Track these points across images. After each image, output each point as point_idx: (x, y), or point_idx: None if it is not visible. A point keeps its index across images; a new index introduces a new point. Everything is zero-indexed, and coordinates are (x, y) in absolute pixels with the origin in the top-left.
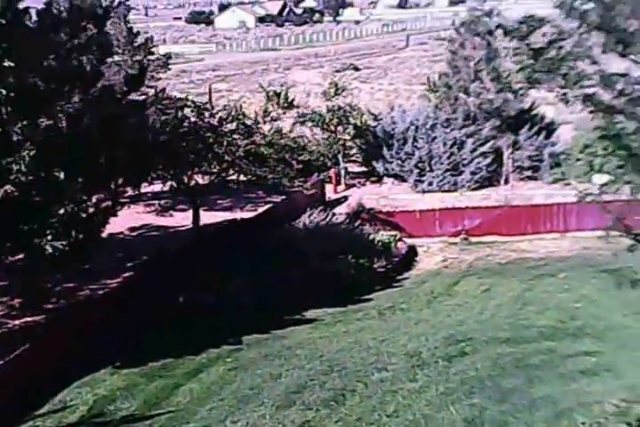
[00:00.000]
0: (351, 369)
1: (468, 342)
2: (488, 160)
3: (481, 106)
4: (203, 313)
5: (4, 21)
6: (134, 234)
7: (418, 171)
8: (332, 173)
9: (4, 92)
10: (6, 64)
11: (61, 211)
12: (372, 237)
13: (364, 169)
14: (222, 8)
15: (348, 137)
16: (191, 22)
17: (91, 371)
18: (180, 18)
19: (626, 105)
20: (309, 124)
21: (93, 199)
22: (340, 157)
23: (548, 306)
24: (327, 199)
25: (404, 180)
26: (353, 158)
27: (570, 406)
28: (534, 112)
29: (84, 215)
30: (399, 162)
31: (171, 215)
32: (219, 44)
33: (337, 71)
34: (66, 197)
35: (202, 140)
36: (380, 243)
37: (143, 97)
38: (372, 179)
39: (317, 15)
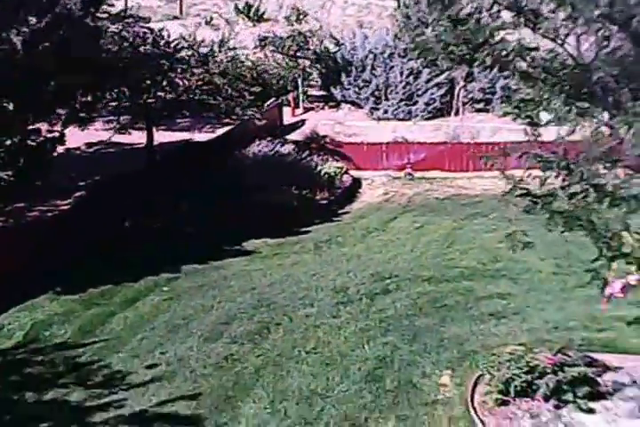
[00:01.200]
0: (280, 303)
1: (393, 279)
2: (442, 91)
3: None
4: (147, 239)
5: None
6: (91, 150)
7: (374, 99)
8: (290, 96)
9: None
10: None
11: (8, 142)
12: (319, 168)
13: (323, 93)
14: None
15: (307, 62)
16: None
17: (31, 296)
18: None
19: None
20: (270, 48)
21: (44, 126)
22: (299, 81)
23: (473, 246)
24: (284, 123)
25: (360, 106)
26: (312, 83)
27: (474, 348)
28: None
29: (32, 144)
30: (356, 89)
31: (129, 133)
32: None
33: None
34: (14, 127)
35: (157, 66)
36: (326, 175)
37: (105, 16)
38: (331, 103)
39: None
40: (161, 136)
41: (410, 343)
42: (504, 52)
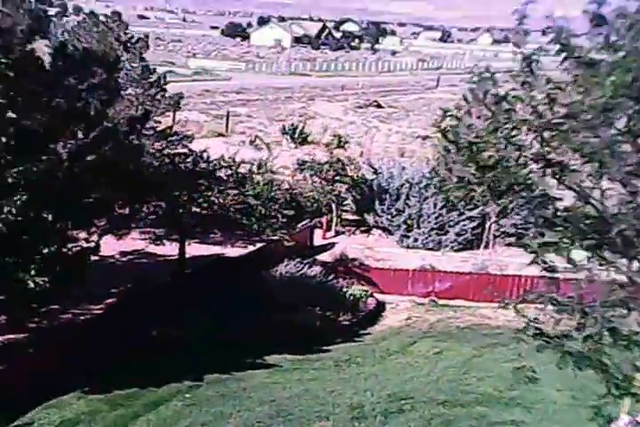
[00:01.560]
0: (296, 415)
1: (408, 400)
2: (474, 224)
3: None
4: (172, 349)
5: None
6: (124, 259)
7: (405, 226)
8: (323, 219)
9: (3, 139)
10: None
11: (45, 250)
12: (344, 289)
13: (355, 217)
14: (262, 22)
15: (343, 188)
16: (227, 35)
17: (60, 394)
18: (216, 27)
19: None
20: (309, 172)
21: (81, 234)
22: (333, 205)
23: (491, 374)
24: (314, 245)
25: (391, 233)
26: (346, 208)
27: None
28: (529, 181)
29: (68, 253)
30: (389, 217)
31: (163, 244)
32: (249, 62)
33: (359, 107)
34: (52, 236)
35: (195, 185)
36: (351, 297)
37: (150, 133)
38: (362, 228)
39: (356, 41)
40: (194, 249)
41: None
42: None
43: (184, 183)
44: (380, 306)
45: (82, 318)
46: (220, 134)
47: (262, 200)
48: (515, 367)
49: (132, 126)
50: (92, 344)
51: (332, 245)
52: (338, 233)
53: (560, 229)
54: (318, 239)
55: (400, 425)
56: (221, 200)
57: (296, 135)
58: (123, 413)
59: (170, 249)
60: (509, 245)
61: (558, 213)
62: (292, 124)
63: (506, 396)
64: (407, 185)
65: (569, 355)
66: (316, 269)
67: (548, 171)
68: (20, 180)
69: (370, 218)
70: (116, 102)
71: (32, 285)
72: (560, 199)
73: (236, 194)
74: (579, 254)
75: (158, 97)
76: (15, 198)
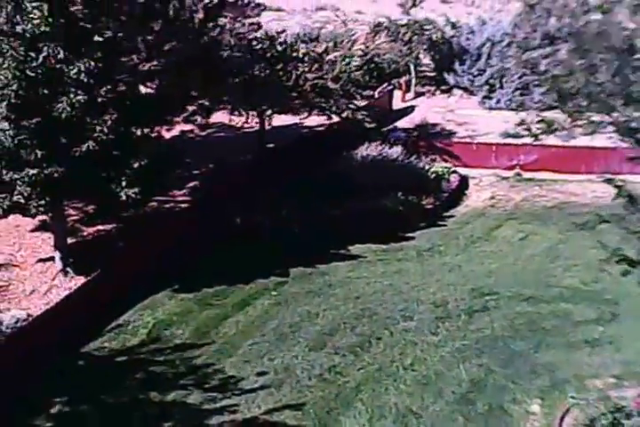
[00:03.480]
0: (381, 315)
1: (492, 295)
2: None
3: (560, 29)
4: (258, 238)
5: None
6: (203, 133)
7: (487, 87)
8: (402, 80)
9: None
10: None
11: (136, 164)
12: (426, 167)
13: (434, 75)
14: None
15: (421, 49)
16: None
17: (152, 293)
18: None
19: None
20: (384, 34)
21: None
22: (411, 66)
23: (577, 263)
24: (393, 108)
25: (473, 93)
26: (425, 68)
27: (566, 377)
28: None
29: (155, 167)
30: (470, 77)
31: (242, 115)
32: None
33: None
34: (141, 150)
35: (271, 70)
36: (434, 174)
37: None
38: (442, 88)
39: None
40: (275, 120)
41: (503, 367)
42: None
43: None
44: (464, 183)
45: (166, 206)
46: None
47: (341, 84)
48: (600, 259)
49: (208, 16)
50: (177, 237)
51: (412, 108)
52: (417, 94)
53: None
54: (397, 102)
55: (484, 326)
56: (300, 83)
57: None
58: (212, 314)
59: (250, 119)
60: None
61: None
62: None
63: (591, 289)
64: (488, 44)
65: None
66: (398, 150)
67: None
68: (108, 99)
69: (450, 78)
70: None
71: (124, 197)
72: None
73: (313, 78)
74: None
75: None
76: (106, 118)
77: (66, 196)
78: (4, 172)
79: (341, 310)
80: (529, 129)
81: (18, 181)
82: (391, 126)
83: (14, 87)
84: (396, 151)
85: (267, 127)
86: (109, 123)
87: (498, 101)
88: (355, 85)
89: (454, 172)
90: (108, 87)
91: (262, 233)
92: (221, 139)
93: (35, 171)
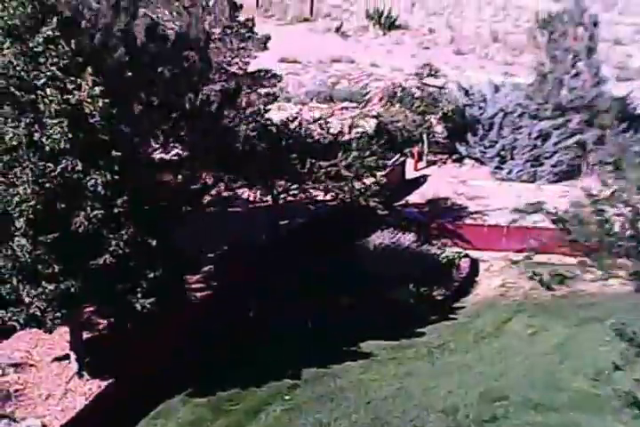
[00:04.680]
0: (393, 424)
1: (502, 402)
2: (571, 154)
3: (573, 100)
4: (271, 332)
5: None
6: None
7: (499, 158)
8: (414, 150)
9: (108, 176)
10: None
11: (151, 275)
12: (437, 252)
13: (446, 142)
14: None
15: (434, 120)
16: None
17: (166, 397)
18: None
19: None
20: (398, 104)
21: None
22: (424, 136)
23: (586, 363)
24: (406, 178)
25: (483, 163)
26: (437, 136)
27: None
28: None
29: (172, 277)
30: (482, 148)
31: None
32: None
33: None
34: (157, 262)
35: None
36: (444, 259)
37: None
38: (454, 156)
39: None
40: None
41: None
42: None
43: (275, 161)
44: (474, 269)
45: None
46: (305, 19)
47: (355, 169)
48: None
49: (225, 101)
50: (193, 330)
51: (424, 178)
52: (429, 163)
53: None
54: (410, 170)
55: None
56: (314, 171)
57: (382, 19)
58: (225, 422)
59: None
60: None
61: None
62: (376, 8)
63: (601, 394)
64: (500, 114)
65: None
66: (410, 238)
67: None
68: (125, 213)
69: (462, 149)
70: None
71: (139, 308)
72: None
73: (327, 166)
74: None
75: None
76: (122, 232)
77: (81, 306)
78: (21, 287)
79: (353, 418)
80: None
81: (35, 297)
82: (403, 201)
83: (32, 203)
84: (408, 239)
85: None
86: (126, 237)
87: (509, 172)
88: (367, 169)
89: (466, 255)
90: (125, 198)
91: (276, 327)
92: (234, 215)
93: (52, 286)
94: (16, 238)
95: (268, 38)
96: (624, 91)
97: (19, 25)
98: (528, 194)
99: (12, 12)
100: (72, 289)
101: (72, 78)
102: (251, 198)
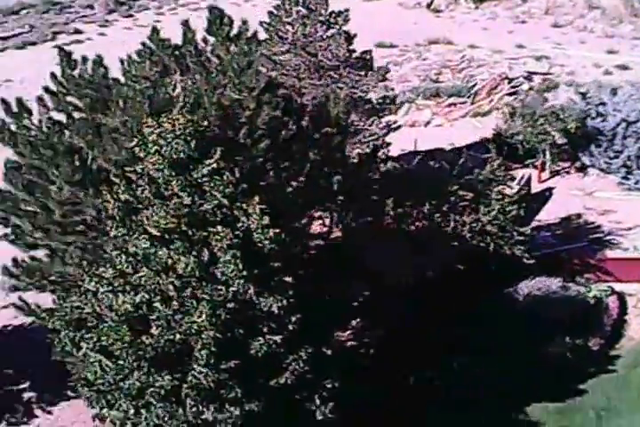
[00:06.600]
0: None
1: None
2: None
3: None
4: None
5: None
6: None
7: (625, 169)
8: (538, 162)
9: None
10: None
11: (329, 385)
12: (582, 290)
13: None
14: None
15: (557, 134)
16: None
17: None
18: None
19: None
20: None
21: None
22: (547, 148)
23: None
24: (531, 192)
25: (609, 172)
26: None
27: None
28: None
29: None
30: (607, 159)
31: None
32: None
33: None
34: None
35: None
36: (593, 299)
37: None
38: (577, 165)
39: None
40: None
41: None
42: None
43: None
44: (623, 307)
45: None
46: None
47: (498, 223)
48: None
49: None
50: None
51: (550, 191)
52: (553, 174)
53: None
54: (534, 182)
55: None
56: (458, 229)
57: None
58: None
59: None
60: None
61: None
62: None
63: None
64: (623, 125)
65: None
66: (557, 282)
67: None
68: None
69: (585, 159)
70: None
71: (320, 416)
72: None
73: (471, 221)
74: None
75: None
76: (301, 352)
77: None
78: (206, 411)
79: None
80: None
81: (221, 423)
82: (534, 223)
83: (211, 334)
84: (555, 284)
85: None
86: (305, 356)
87: (637, 182)
88: (511, 221)
89: (613, 293)
90: (299, 316)
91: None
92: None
93: (237, 411)
94: (197, 367)
95: (387, 71)
96: None
97: (183, 158)
98: None
99: (176, 148)
100: (255, 410)
101: (238, 205)
102: None
